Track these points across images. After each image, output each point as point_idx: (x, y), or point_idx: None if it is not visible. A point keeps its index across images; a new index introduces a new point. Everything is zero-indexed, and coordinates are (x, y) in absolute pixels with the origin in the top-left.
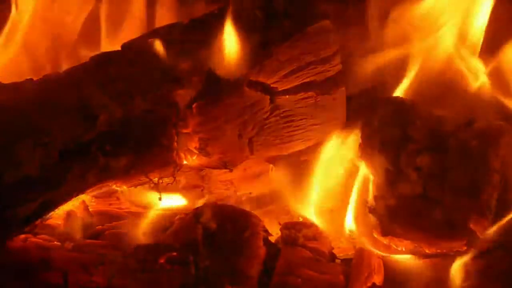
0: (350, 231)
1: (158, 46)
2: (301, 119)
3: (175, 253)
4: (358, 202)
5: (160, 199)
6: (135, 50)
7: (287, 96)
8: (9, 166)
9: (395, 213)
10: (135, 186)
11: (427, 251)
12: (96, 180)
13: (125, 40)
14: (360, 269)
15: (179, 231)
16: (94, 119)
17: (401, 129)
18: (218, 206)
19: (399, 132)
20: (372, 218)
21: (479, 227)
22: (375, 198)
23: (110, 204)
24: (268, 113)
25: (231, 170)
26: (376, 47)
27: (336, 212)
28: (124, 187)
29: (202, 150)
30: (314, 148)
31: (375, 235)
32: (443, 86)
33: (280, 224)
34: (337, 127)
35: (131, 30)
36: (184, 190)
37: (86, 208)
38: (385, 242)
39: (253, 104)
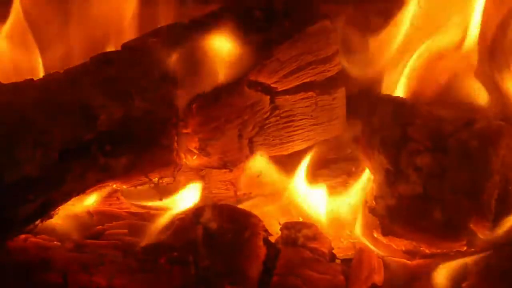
0: (350, 231)
1: (158, 46)
2: (301, 119)
3: (175, 253)
4: (359, 202)
5: (161, 199)
6: (135, 50)
7: (287, 96)
8: (9, 166)
9: (395, 213)
10: (135, 186)
11: (427, 251)
12: (96, 180)
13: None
14: (360, 269)
15: (179, 231)
16: (94, 119)
17: (401, 129)
18: (218, 206)
19: (399, 132)
20: (372, 218)
21: (479, 227)
22: (375, 198)
23: (110, 204)
24: (268, 113)
25: (231, 170)
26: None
27: (336, 212)
28: (124, 187)
29: (202, 150)
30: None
31: (375, 235)
32: (443, 86)
33: (280, 224)
34: (337, 127)
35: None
36: None
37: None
38: (385, 242)
39: (253, 104)
